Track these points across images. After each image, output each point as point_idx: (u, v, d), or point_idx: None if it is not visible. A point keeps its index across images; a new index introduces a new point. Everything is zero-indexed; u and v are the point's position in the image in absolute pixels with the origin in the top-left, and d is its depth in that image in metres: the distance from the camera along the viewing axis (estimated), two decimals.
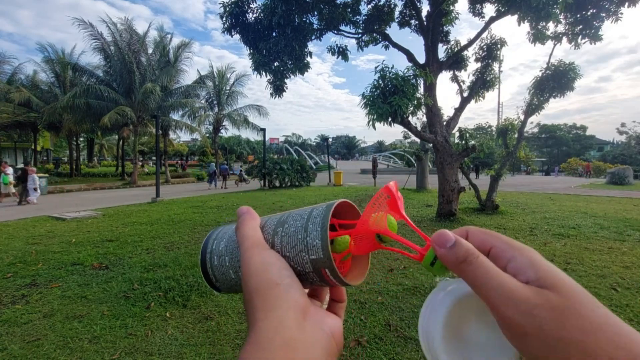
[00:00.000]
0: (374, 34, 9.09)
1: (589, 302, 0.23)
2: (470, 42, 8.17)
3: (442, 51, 8.57)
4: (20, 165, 19.40)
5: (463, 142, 7.77)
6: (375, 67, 6.22)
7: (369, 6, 8.74)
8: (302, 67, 8.13)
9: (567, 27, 7.72)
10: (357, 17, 8.68)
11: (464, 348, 0.28)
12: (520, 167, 40.76)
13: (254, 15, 7.61)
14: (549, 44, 7.90)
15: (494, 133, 9.72)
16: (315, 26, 8.08)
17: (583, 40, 7.61)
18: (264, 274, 0.28)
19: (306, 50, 7.94)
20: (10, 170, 11.81)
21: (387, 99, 5.92)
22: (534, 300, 0.23)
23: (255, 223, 0.34)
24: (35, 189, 11.39)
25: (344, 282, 0.30)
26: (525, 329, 0.22)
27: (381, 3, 8.70)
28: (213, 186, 17.79)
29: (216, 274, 0.36)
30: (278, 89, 8.48)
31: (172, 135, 25.33)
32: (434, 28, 7.91)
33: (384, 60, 6.35)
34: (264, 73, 8.06)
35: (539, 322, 0.22)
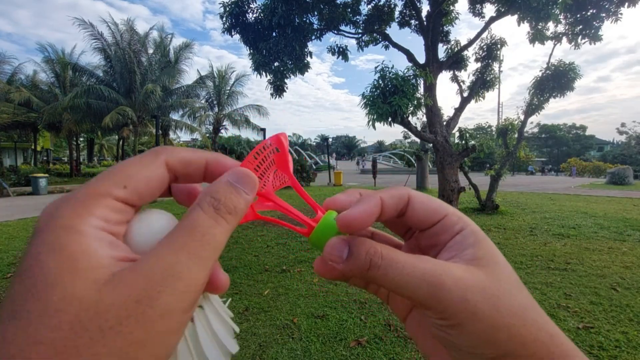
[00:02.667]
0: (374, 34, 9.10)
1: (517, 283, 0.22)
2: (470, 42, 8.17)
3: (442, 51, 8.59)
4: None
5: (463, 142, 7.77)
6: (375, 67, 6.23)
7: (369, 6, 8.75)
8: (302, 67, 8.13)
9: (567, 27, 7.73)
10: (357, 17, 8.69)
11: None
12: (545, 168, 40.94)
13: (254, 15, 7.62)
14: (549, 44, 7.91)
15: (494, 133, 9.71)
16: (315, 26, 8.08)
17: (583, 41, 7.62)
18: None
19: (306, 50, 7.95)
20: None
21: (387, 99, 5.93)
22: (465, 283, 0.21)
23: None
24: None
25: None
26: (459, 319, 0.20)
27: (381, 3, 8.71)
28: None
29: None
30: (278, 89, 8.49)
31: (172, 135, 25.34)
32: (434, 28, 7.91)
33: (383, 61, 6.35)
34: (264, 73, 8.07)
35: (473, 307, 0.20)
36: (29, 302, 0.15)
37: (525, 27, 7.29)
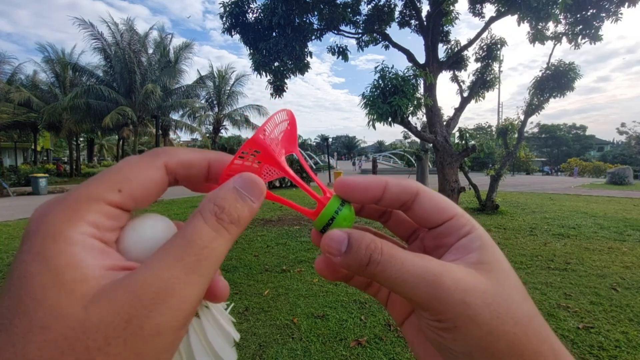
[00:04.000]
0: (374, 34, 9.09)
1: (522, 291, 0.21)
2: (470, 42, 8.17)
3: (442, 51, 8.58)
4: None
5: (463, 142, 7.77)
6: (375, 67, 6.23)
7: (369, 6, 8.74)
8: (302, 67, 8.13)
9: (567, 27, 7.72)
10: (357, 17, 8.68)
11: None
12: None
13: (254, 15, 7.61)
14: (549, 44, 7.91)
15: (494, 133, 9.72)
16: (315, 26, 8.08)
17: (583, 41, 7.61)
18: None
19: (306, 50, 7.94)
20: None
21: (387, 99, 5.92)
22: (466, 285, 0.20)
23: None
24: None
25: None
26: (456, 322, 0.19)
27: (381, 3, 8.70)
28: None
29: None
30: (278, 89, 8.48)
31: (172, 135, 25.36)
32: (434, 28, 7.90)
33: (383, 61, 6.37)
34: (264, 73, 8.07)
35: (472, 311, 0.19)
36: (16, 317, 0.15)
37: (525, 27, 7.29)
